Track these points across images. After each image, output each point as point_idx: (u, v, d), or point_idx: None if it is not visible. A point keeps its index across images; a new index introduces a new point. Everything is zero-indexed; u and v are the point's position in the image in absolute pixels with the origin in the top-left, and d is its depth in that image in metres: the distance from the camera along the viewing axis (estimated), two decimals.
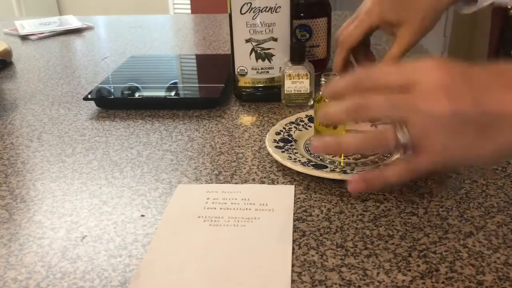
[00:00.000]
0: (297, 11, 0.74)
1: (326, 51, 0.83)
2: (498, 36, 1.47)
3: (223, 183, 0.53)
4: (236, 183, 0.52)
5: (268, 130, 0.63)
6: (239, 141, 0.62)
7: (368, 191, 0.45)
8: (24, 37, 1.18)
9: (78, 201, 0.50)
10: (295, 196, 0.50)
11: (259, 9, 0.67)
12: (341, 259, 0.40)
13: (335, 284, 0.38)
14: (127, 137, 0.64)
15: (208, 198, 0.49)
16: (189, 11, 2.94)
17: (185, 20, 1.39)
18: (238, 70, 0.71)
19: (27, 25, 1.24)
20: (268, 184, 0.52)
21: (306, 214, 0.47)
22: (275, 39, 0.69)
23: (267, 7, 0.67)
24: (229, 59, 0.72)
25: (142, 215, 0.47)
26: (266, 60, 0.70)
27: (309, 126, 0.62)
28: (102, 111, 0.72)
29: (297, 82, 0.68)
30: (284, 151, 0.55)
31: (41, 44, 1.13)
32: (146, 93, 0.74)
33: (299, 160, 0.53)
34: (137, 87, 0.76)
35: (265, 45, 0.69)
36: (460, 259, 0.40)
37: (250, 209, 0.47)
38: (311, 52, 0.81)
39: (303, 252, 0.41)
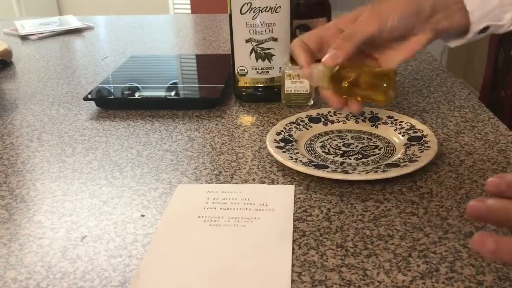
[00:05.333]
0: (297, 11, 0.74)
1: None
2: (498, 36, 1.47)
3: (223, 183, 0.53)
4: (236, 183, 0.52)
5: (268, 130, 0.63)
6: (239, 141, 0.62)
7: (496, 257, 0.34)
8: (24, 37, 1.18)
9: (78, 201, 0.50)
10: (295, 196, 0.50)
11: (259, 9, 0.67)
12: (341, 259, 0.40)
13: (335, 284, 0.38)
14: (127, 137, 0.64)
15: (208, 198, 0.49)
16: (189, 11, 2.94)
17: (185, 20, 1.39)
18: (238, 70, 0.71)
19: (27, 25, 1.24)
20: (268, 184, 0.52)
21: (306, 214, 0.47)
22: (275, 39, 0.69)
23: (267, 7, 0.67)
24: (229, 59, 0.72)
25: (142, 215, 0.47)
26: (266, 60, 0.70)
27: (309, 126, 0.62)
28: (102, 111, 0.72)
29: (297, 82, 0.68)
30: (285, 151, 0.55)
31: (41, 44, 1.13)
32: (146, 93, 0.74)
33: (300, 160, 0.53)
34: (137, 87, 0.76)
35: (265, 45, 0.69)
36: (460, 259, 0.40)
37: (250, 209, 0.47)
38: None
39: (303, 252, 0.41)
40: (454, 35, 0.59)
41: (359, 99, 0.56)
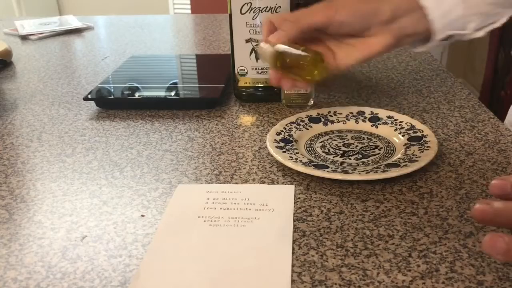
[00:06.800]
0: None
1: None
2: (498, 36, 1.47)
3: (223, 183, 0.53)
4: (236, 183, 0.52)
5: (268, 130, 0.63)
6: (239, 141, 0.62)
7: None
8: (24, 37, 1.18)
9: (78, 201, 0.50)
10: (295, 196, 0.50)
11: (259, 9, 0.67)
12: (341, 259, 0.40)
13: (335, 284, 0.38)
14: (127, 137, 0.64)
15: (208, 198, 0.49)
16: (189, 11, 2.94)
17: (185, 20, 1.39)
18: (238, 70, 0.71)
19: (27, 25, 1.24)
20: (268, 184, 0.52)
21: (306, 214, 0.47)
22: None
23: (267, 7, 0.67)
24: (229, 59, 0.72)
25: (142, 215, 0.47)
26: None
27: (309, 126, 0.62)
28: (102, 111, 0.72)
29: None
30: (285, 151, 0.55)
31: (41, 44, 1.13)
32: (146, 93, 0.74)
33: (300, 160, 0.53)
34: (137, 87, 0.76)
35: None
36: (460, 259, 0.40)
37: (250, 209, 0.47)
38: None
39: (303, 252, 0.41)
40: (418, 41, 0.59)
41: (292, 78, 0.56)
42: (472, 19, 0.55)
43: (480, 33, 0.57)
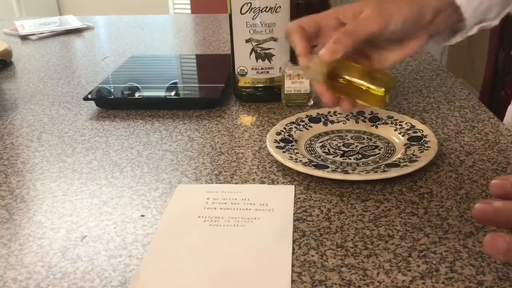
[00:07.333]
0: (297, 11, 0.74)
1: None
2: (498, 36, 1.47)
3: (223, 183, 0.53)
4: (236, 183, 0.52)
5: (268, 130, 0.63)
6: (239, 141, 0.62)
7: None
8: (24, 37, 1.18)
9: (78, 201, 0.50)
10: (295, 196, 0.50)
11: (259, 9, 0.67)
12: (341, 259, 0.40)
13: (335, 284, 0.38)
14: (127, 137, 0.64)
15: (208, 198, 0.49)
16: (189, 11, 2.94)
17: (185, 20, 1.39)
18: (238, 70, 0.71)
19: (27, 25, 1.24)
20: (268, 184, 0.52)
21: (306, 214, 0.47)
22: (275, 39, 0.69)
23: (267, 7, 0.67)
24: (229, 59, 0.72)
25: (142, 215, 0.47)
26: (266, 60, 0.70)
27: (309, 126, 0.62)
28: (102, 111, 0.72)
29: (297, 82, 0.68)
30: (285, 151, 0.55)
31: (41, 44, 1.13)
32: (146, 93, 0.74)
33: (300, 160, 0.53)
34: (137, 87, 0.76)
35: (265, 45, 0.69)
36: (460, 259, 0.40)
37: (250, 209, 0.47)
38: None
39: (303, 252, 0.41)
40: (443, 36, 0.59)
41: (352, 99, 0.55)
42: (493, 8, 0.56)
43: (496, 21, 0.57)
